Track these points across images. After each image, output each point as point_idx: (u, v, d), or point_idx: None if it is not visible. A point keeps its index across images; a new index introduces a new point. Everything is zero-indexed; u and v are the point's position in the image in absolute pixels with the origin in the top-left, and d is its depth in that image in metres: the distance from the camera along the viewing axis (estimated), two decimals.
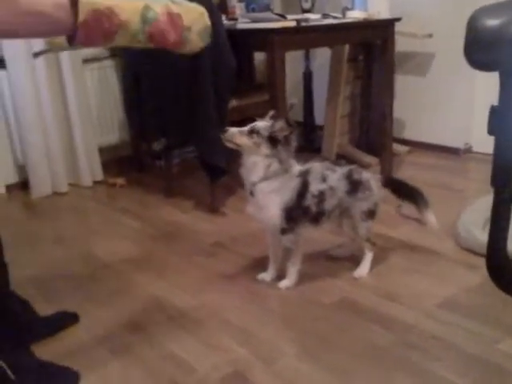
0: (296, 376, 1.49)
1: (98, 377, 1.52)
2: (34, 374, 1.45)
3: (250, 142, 1.74)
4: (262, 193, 1.79)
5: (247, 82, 3.50)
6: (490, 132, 0.77)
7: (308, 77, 3.69)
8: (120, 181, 3.14)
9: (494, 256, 0.77)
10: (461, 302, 1.80)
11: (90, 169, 3.15)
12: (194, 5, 1.19)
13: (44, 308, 1.76)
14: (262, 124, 1.77)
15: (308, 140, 3.69)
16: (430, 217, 1.99)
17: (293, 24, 2.38)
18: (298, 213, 1.82)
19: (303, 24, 2.42)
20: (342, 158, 3.37)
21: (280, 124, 1.73)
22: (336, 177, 1.87)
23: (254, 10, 3.23)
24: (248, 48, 2.93)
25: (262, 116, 1.84)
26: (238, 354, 1.59)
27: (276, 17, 2.46)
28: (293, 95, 3.80)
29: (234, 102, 2.62)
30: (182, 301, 1.89)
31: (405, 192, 2.06)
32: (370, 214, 1.95)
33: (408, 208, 2.52)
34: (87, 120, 3.11)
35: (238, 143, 1.76)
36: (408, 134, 3.59)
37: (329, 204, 1.86)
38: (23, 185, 3.07)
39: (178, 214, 2.70)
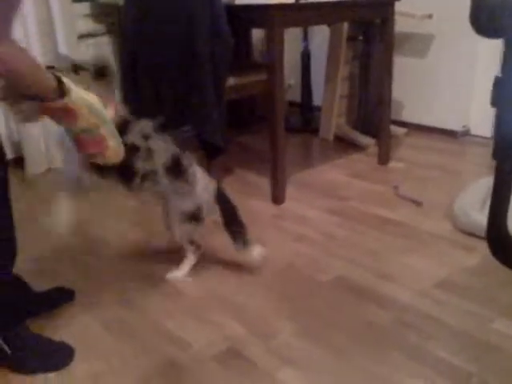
0: (291, 353, 1.49)
1: (93, 352, 1.52)
2: (29, 350, 1.45)
3: None
4: None
5: (245, 61, 3.46)
6: (493, 103, 0.75)
7: (306, 57, 3.66)
8: None
9: (494, 229, 0.76)
10: (457, 282, 1.80)
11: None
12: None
13: (41, 285, 1.75)
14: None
15: (306, 121, 3.67)
16: (252, 251, 1.79)
17: (291, 0, 2.34)
18: None
19: (302, 1, 2.38)
20: (339, 139, 3.37)
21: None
22: (161, 143, 1.63)
23: None
24: (246, 25, 2.89)
25: None
26: (233, 330, 1.59)
27: None
28: (291, 76, 3.77)
29: (231, 81, 2.59)
30: (177, 279, 1.88)
31: (229, 218, 1.79)
32: (192, 218, 1.70)
33: (405, 190, 2.53)
34: None
35: None
36: (406, 116, 3.57)
37: (141, 166, 1.60)
38: (19, 160, 3.04)
39: None
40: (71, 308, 1.73)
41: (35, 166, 2.99)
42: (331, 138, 3.38)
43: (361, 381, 1.38)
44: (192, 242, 1.83)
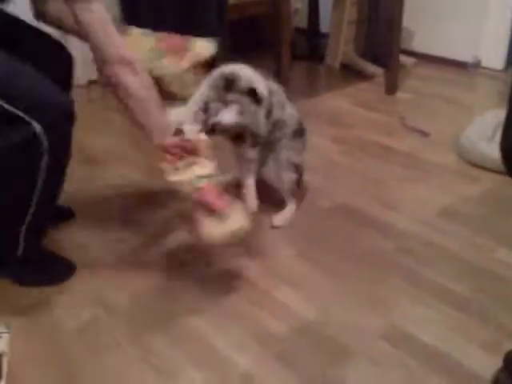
0: (289, 274, 1.50)
1: (92, 270, 1.52)
2: (31, 264, 1.45)
3: None
4: None
5: None
6: None
7: None
8: None
9: (508, 138, 0.72)
10: (459, 211, 1.78)
11: (85, 68, 3.02)
12: None
13: None
14: None
15: (312, 48, 3.55)
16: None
17: None
18: None
19: None
20: (346, 67, 3.27)
21: None
22: (293, 113, 1.75)
23: None
24: None
25: None
26: (233, 253, 1.58)
27: None
28: None
29: None
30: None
31: None
32: (297, 169, 1.75)
33: (412, 120, 2.46)
34: None
35: None
36: (416, 46, 3.44)
37: (277, 133, 1.69)
38: None
39: None
40: (70, 227, 1.72)
41: None
42: (338, 65, 3.27)
43: (356, 301, 1.39)
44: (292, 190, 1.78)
